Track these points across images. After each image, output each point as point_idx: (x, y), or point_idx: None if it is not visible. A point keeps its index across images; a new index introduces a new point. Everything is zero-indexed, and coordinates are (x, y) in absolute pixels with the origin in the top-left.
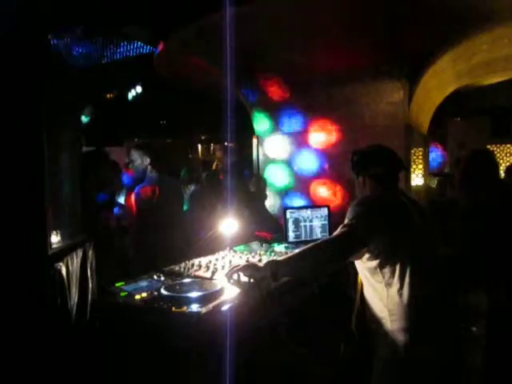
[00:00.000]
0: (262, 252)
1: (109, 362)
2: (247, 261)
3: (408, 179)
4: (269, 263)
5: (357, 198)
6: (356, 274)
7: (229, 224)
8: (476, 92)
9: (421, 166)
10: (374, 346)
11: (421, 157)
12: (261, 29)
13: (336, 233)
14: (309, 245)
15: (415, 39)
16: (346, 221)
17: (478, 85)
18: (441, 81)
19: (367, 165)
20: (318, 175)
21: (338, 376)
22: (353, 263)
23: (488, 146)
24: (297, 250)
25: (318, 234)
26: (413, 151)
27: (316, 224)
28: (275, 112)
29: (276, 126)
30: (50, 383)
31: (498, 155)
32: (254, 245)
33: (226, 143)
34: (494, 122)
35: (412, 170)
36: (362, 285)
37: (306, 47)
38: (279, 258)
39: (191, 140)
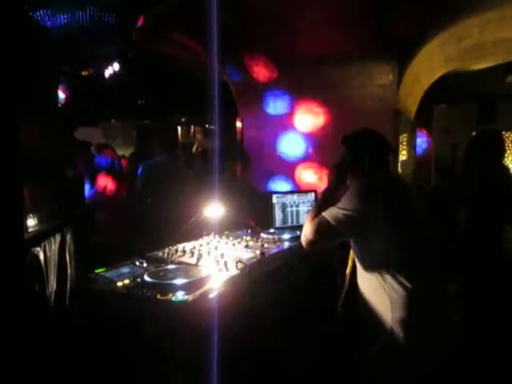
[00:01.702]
0: (249, 238)
1: (89, 352)
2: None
3: (395, 166)
4: None
5: (353, 184)
6: (343, 258)
7: (214, 209)
8: (463, 78)
9: (404, 152)
10: (364, 337)
11: (405, 143)
12: (247, 3)
13: (323, 215)
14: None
15: (405, 21)
16: (337, 205)
17: (466, 70)
18: (430, 65)
19: (358, 149)
20: (304, 159)
21: (327, 362)
22: (344, 247)
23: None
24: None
25: (305, 219)
26: (400, 136)
27: (302, 209)
28: (261, 92)
29: (261, 108)
30: (28, 372)
31: None
32: (240, 231)
33: (207, 125)
34: (481, 109)
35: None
36: (351, 268)
37: (294, 25)
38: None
39: (171, 122)
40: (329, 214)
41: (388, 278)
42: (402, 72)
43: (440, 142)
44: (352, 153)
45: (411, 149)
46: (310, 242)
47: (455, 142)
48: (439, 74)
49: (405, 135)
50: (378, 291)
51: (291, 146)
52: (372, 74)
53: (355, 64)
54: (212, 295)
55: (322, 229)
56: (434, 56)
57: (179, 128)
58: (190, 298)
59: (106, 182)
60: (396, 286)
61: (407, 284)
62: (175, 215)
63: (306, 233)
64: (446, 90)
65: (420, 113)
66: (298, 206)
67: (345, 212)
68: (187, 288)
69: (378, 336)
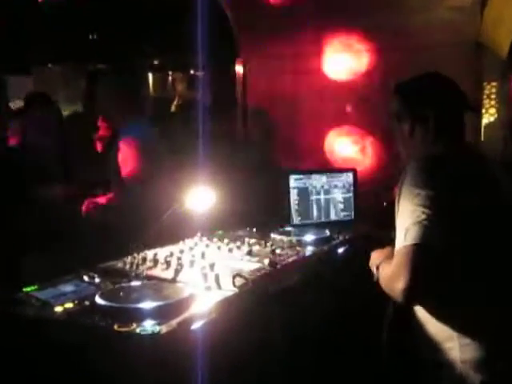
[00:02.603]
0: (253, 240)
1: None
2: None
3: (478, 129)
4: None
5: (413, 161)
6: None
7: (200, 198)
8: None
9: (492, 111)
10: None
11: (493, 95)
12: None
13: (401, 246)
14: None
15: None
16: (409, 218)
17: None
18: None
19: (418, 104)
20: (338, 122)
21: None
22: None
23: None
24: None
25: (339, 213)
26: (484, 85)
27: (335, 197)
28: (272, 19)
29: (275, 43)
30: None
31: None
32: (241, 230)
33: (191, 71)
34: None
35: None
36: None
37: None
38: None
39: (138, 66)
40: (405, 229)
41: (455, 302)
42: None
43: None
44: (408, 111)
45: (502, 105)
46: (410, 292)
47: None
48: None
49: (493, 84)
50: (439, 321)
51: (319, 101)
52: None
53: None
54: (196, 325)
55: (415, 259)
56: None
57: (150, 75)
58: (163, 329)
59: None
60: (470, 314)
61: (487, 312)
62: (143, 206)
63: (393, 282)
64: None
65: None
66: (327, 192)
67: (422, 202)
68: (159, 315)
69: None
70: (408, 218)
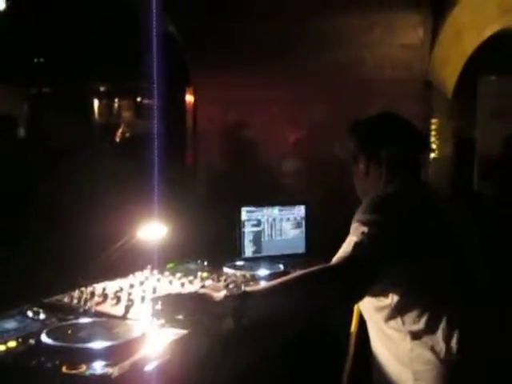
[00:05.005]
0: (205, 274)
1: None
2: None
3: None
4: (232, 296)
5: (367, 198)
6: (348, 310)
7: (154, 230)
8: None
9: (436, 145)
10: None
11: (440, 133)
12: None
13: (340, 256)
14: (296, 274)
15: None
16: (353, 236)
17: None
18: (478, 16)
19: (373, 144)
20: (287, 152)
21: None
22: None
23: None
24: (274, 281)
25: (291, 247)
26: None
27: (288, 231)
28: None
29: (228, 72)
30: None
31: None
32: (192, 264)
33: (138, 98)
34: None
35: None
36: (357, 326)
37: None
38: (249, 289)
39: (83, 91)
40: (348, 247)
41: (409, 339)
42: (438, 26)
43: (487, 130)
44: (363, 151)
45: (447, 141)
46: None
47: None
48: (490, 31)
49: (436, 120)
50: (395, 360)
51: (271, 134)
52: (393, 27)
53: (367, 11)
54: (150, 367)
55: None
56: (485, 3)
57: (96, 101)
58: (115, 371)
59: None
60: (424, 352)
61: (442, 349)
62: (89, 237)
63: (321, 288)
64: (498, 55)
65: (460, 88)
66: (280, 225)
67: (369, 227)
68: (110, 355)
69: None
70: (351, 235)
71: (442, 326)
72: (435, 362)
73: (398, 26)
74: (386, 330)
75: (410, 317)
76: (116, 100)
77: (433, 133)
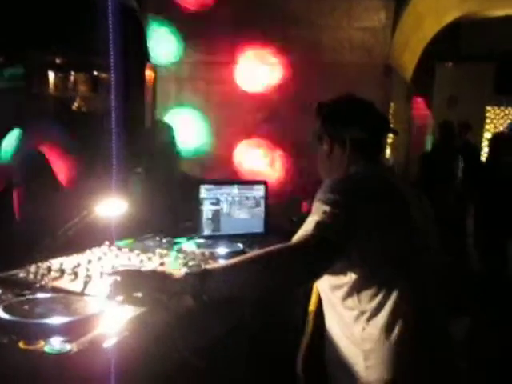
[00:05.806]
0: (164, 251)
1: None
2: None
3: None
4: (192, 273)
5: (329, 179)
6: (307, 289)
7: (112, 206)
8: (479, 27)
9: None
10: None
11: (397, 116)
12: None
13: (302, 235)
14: (257, 252)
15: None
16: (314, 215)
17: (485, 16)
18: (439, 2)
19: (337, 126)
20: (249, 133)
21: None
22: None
23: (488, 108)
24: (235, 259)
25: (250, 226)
26: (392, 105)
27: (246, 210)
28: (187, 25)
29: (187, 50)
30: None
31: (500, 120)
32: (150, 241)
33: (95, 72)
34: (500, 72)
35: None
36: (316, 304)
37: None
38: (209, 267)
39: (36, 64)
40: (308, 226)
41: (361, 319)
42: (401, 10)
43: (442, 115)
44: (327, 132)
45: (404, 126)
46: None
47: (464, 122)
48: (449, 18)
49: (397, 105)
50: (347, 339)
51: (230, 111)
52: (354, 10)
53: None
54: (109, 343)
55: (317, 247)
56: None
57: (51, 74)
58: (73, 347)
59: None
60: (375, 332)
61: (392, 329)
62: (46, 212)
63: (283, 265)
64: (455, 43)
65: (418, 74)
66: (238, 204)
67: (330, 206)
68: (69, 331)
69: None
70: (312, 215)
71: (392, 305)
72: (384, 342)
73: (358, 7)
74: (341, 310)
75: (366, 295)
76: (72, 73)
77: (390, 116)
